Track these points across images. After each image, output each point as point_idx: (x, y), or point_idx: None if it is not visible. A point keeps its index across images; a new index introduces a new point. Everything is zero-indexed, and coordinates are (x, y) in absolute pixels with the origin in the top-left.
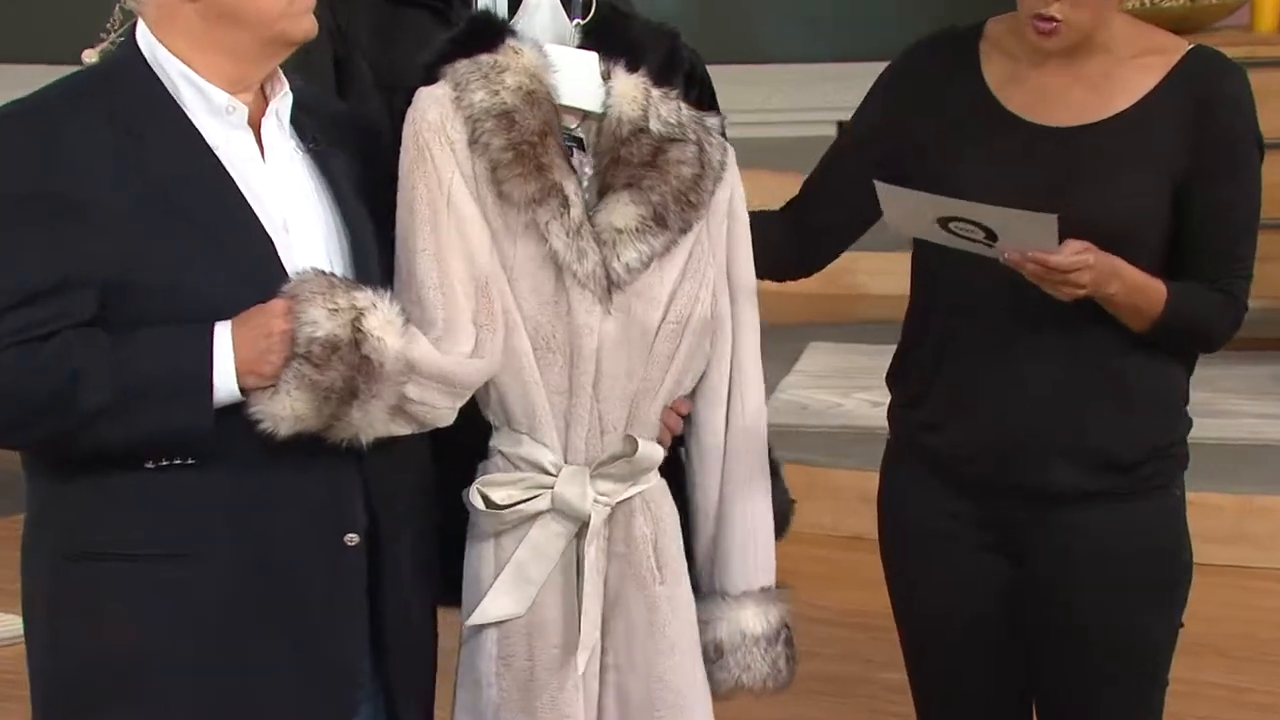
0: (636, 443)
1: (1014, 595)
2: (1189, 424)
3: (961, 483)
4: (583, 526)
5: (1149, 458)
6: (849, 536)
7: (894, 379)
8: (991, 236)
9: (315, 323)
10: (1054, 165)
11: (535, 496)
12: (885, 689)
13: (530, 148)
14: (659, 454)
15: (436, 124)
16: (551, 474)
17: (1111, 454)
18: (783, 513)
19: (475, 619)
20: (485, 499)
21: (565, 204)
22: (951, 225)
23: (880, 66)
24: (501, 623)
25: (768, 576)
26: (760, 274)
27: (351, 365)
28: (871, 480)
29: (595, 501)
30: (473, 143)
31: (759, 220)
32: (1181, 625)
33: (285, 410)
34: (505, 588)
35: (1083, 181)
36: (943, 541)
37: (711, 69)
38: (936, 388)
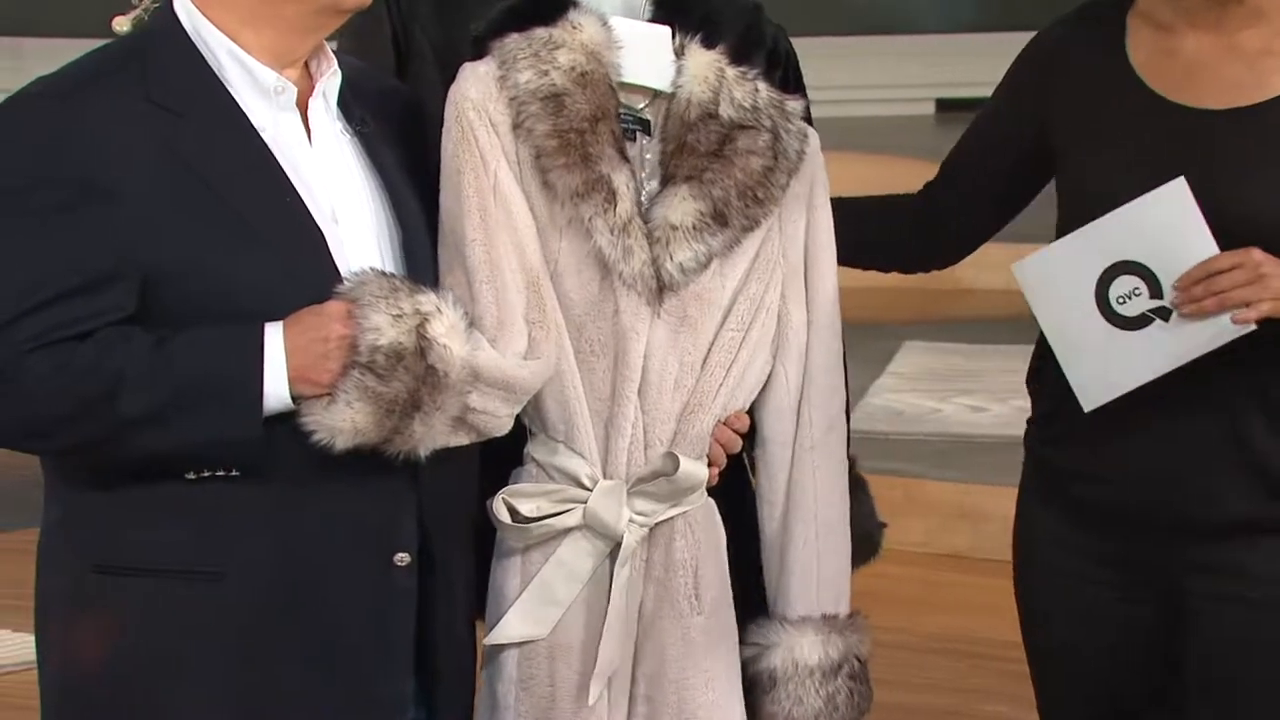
0: (678, 460)
1: (1156, 639)
2: None
3: (1100, 512)
4: (616, 547)
5: None
6: (945, 555)
7: (1033, 383)
8: (1154, 284)
9: (378, 329)
10: (1203, 153)
11: (566, 511)
12: None
13: (578, 135)
14: (704, 474)
15: (479, 104)
16: (586, 488)
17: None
18: (869, 535)
19: (494, 638)
20: (511, 510)
21: (612, 198)
22: (1113, 297)
23: (982, 38)
24: (523, 644)
25: (834, 604)
26: (888, 265)
27: (417, 376)
28: (970, 493)
29: (631, 521)
30: (516, 126)
31: (887, 205)
32: None
33: (344, 422)
34: (528, 607)
35: (1238, 174)
36: (1072, 580)
37: (796, 41)
38: (1074, 402)
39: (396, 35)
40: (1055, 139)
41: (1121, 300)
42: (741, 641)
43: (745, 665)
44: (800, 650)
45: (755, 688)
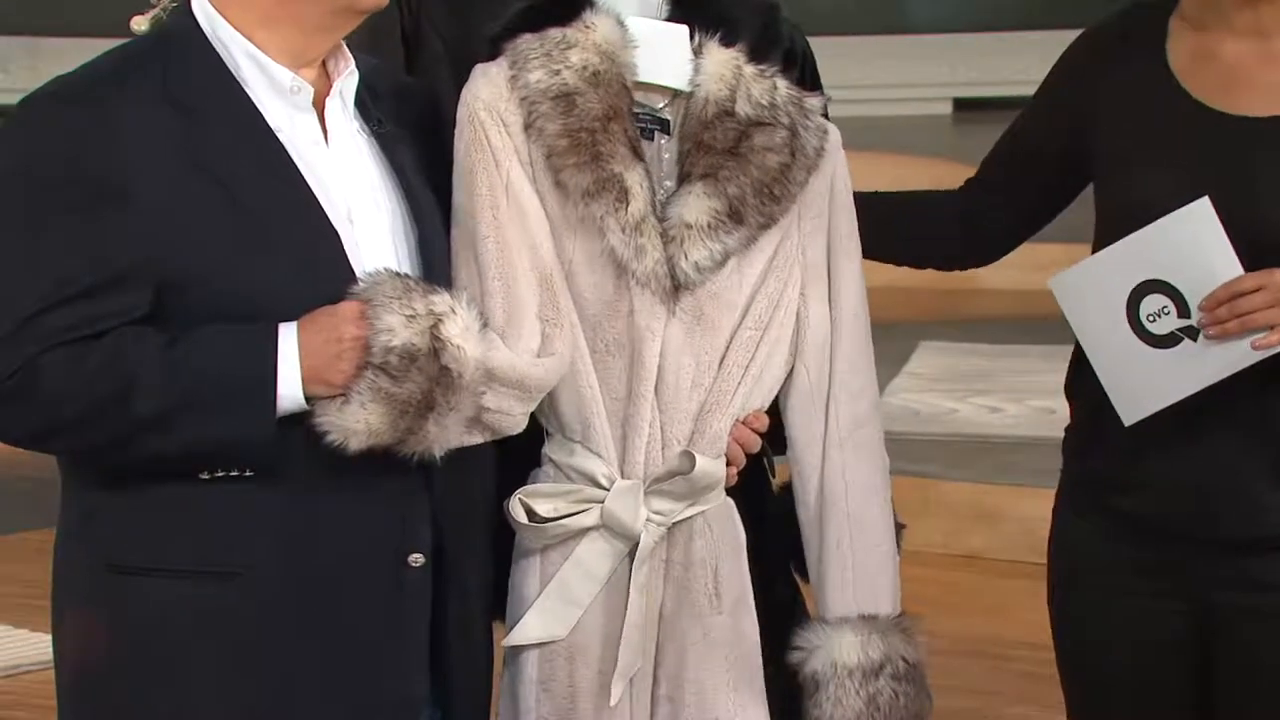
0: (694, 459)
1: (1189, 650)
2: None
3: (1138, 523)
4: (634, 547)
5: None
6: (963, 556)
7: (1071, 392)
8: (1181, 304)
9: (391, 330)
10: (1243, 161)
11: (583, 511)
12: None
13: (589, 135)
14: (721, 472)
15: (490, 104)
16: (604, 487)
17: None
18: None
19: (513, 639)
20: (528, 511)
21: (624, 197)
22: (1144, 315)
23: (1000, 38)
24: (542, 645)
25: (872, 604)
26: (923, 262)
27: (430, 376)
28: (987, 494)
29: (649, 520)
30: (528, 126)
31: (926, 201)
32: None
33: (358, 423)
34: (546, 608)
35: (1277, 183)
36: (1109, 590)
37: (813, 40)
38: (1112, 411)
39: (406, 32)
40: (1096, 140)
41: (1151, 318)
42: (782, 646)
43: (793, 670)
44: (839, 651)
45: (801, 692)
